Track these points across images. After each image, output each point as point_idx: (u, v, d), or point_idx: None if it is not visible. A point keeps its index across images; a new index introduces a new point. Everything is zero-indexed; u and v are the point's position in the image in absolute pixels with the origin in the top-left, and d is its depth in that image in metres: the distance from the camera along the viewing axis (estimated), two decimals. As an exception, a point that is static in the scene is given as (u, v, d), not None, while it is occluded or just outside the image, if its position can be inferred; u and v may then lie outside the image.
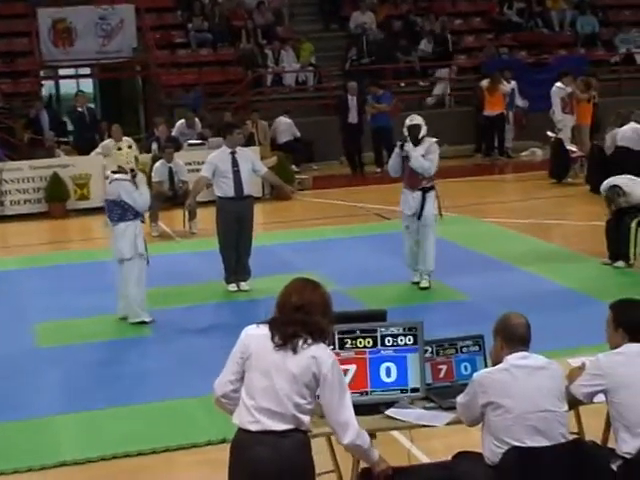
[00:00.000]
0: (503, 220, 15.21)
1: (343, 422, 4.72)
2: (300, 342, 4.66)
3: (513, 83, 22.63)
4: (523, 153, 22.77)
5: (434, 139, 11.33)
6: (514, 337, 5.19)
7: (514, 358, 5.13)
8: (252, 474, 4.63)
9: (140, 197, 10.31)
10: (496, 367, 5.19)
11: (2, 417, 8.05)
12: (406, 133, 11.28)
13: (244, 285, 11.68)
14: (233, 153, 11.48)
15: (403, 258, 11.70)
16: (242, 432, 4.69)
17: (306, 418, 4.70)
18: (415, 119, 11.32)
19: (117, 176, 10.36)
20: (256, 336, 4.78)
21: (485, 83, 22.01)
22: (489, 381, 5.09)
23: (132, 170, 10.30)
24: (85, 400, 8.37)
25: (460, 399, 5.28)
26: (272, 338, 4.70)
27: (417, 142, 11.17)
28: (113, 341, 10.08)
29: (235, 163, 11.42)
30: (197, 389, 8.19)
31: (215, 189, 11.65)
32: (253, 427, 4.63)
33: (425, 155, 11.17)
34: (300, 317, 4.70)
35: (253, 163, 11.66)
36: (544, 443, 5.00)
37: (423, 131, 11.22)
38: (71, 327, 10.65)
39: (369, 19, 25.26)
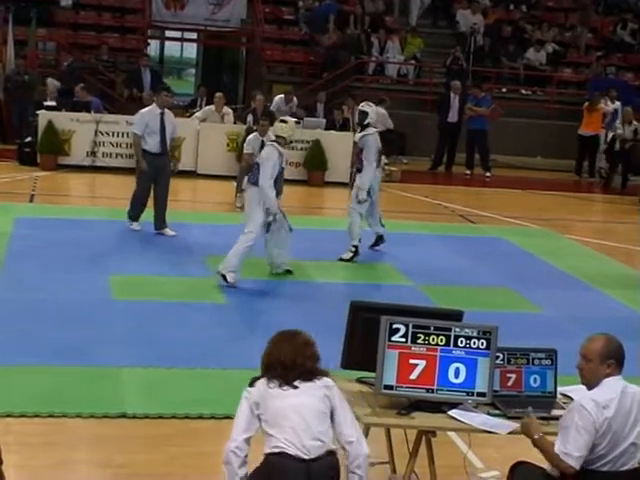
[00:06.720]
0: (586, 239, 15.02)
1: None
2: None
3: (617, 104, 22.30)
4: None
5: (372, 129, 12.35)
6: (623, 361, 5.05)
7: (620, 385, 4.99)
8: None
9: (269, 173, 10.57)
10: (597, 404, 4.92)
11: (71, 361, 8.20)
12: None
13: (169, 231, 12.98)
14: (162, 114, 12.84)
15: (482, 262, 11.59)
16: None
17: None
18: (364, 106, 12.51)
19: (274, 143, 10.74)
20: None
21: (586, 102, 21.80)
22: (607, 427, 4.90)
23: (291, 142, 11.05)
24: (152, 357, 8.47)
25: (575, 450, 4.90)
26: None
27: (362, 127, 12.43)
28: (186, 303, 10.17)
29: (162, 123, 12.77)
30: (257, 362, 8.38)
31: (142, 143, 12.82)
32: None
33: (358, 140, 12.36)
34: None
35: (174, 128, 13.11)
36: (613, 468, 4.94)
37: (369, 119, 12.35)
38: (146, 284, 10.81)
39: (478, 20, 25.11)
